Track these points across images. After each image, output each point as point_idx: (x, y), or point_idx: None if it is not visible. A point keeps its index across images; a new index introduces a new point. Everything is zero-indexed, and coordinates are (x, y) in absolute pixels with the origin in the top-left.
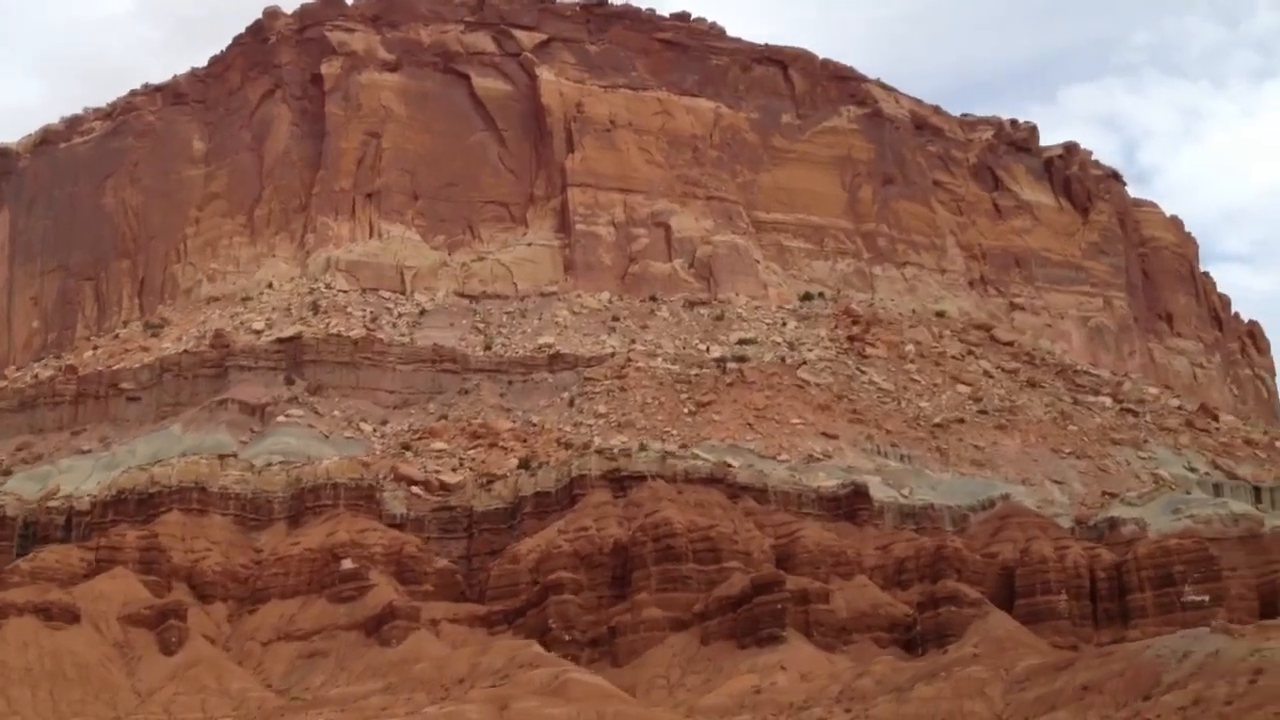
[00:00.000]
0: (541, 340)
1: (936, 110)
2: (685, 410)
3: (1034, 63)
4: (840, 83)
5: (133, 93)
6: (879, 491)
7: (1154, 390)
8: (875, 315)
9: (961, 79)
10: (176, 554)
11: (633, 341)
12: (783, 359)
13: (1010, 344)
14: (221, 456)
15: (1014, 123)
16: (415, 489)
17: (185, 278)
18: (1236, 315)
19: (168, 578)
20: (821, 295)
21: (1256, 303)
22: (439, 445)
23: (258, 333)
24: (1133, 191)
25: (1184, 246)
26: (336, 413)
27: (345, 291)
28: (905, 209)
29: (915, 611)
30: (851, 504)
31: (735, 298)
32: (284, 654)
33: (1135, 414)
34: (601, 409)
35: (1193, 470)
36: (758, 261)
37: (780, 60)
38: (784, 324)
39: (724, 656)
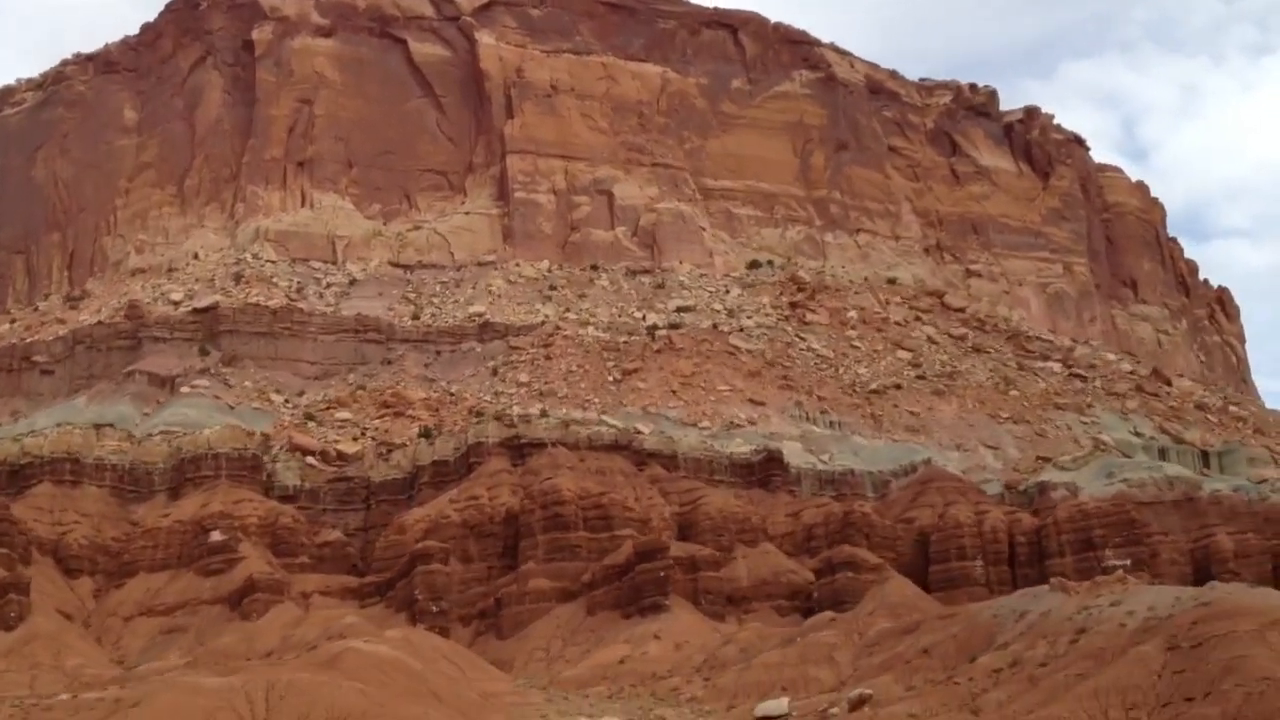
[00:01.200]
0: (472, 309)
1: (893, 75)
2: (610, 379)
3: (1033, 40)
4: (793, 46)
5: (64, 62)
6: (798, 458)
7: (1112, 356)
8: (822, 282)
9: (960, 56)
10: (41, 527)
11: (567, 310)
12: (715, 325)
13: (961, 310)
14: (98, 427)
15: (973, 87)
16: (310, 459)
17: (114, 250)
18: (1205, 282)
19: (24, 551)
20: (770, 263)
21: (1258, 277)
22: (344, 415)
23: (176, 303)
24: (1134, 168)
25: (1149, 212)
26: (248, 383)
27: (273, 262)
28: (859, 175)
29: (814, 578)
30: (765, 470)
31: (679, 266)
32: (144, 629)
33: (1084, 379)
34: (524, 378)
35: (1138, 435)
36: (703, 229)
37: (730, 24)
38: (727, 292)
39: (607, 627)
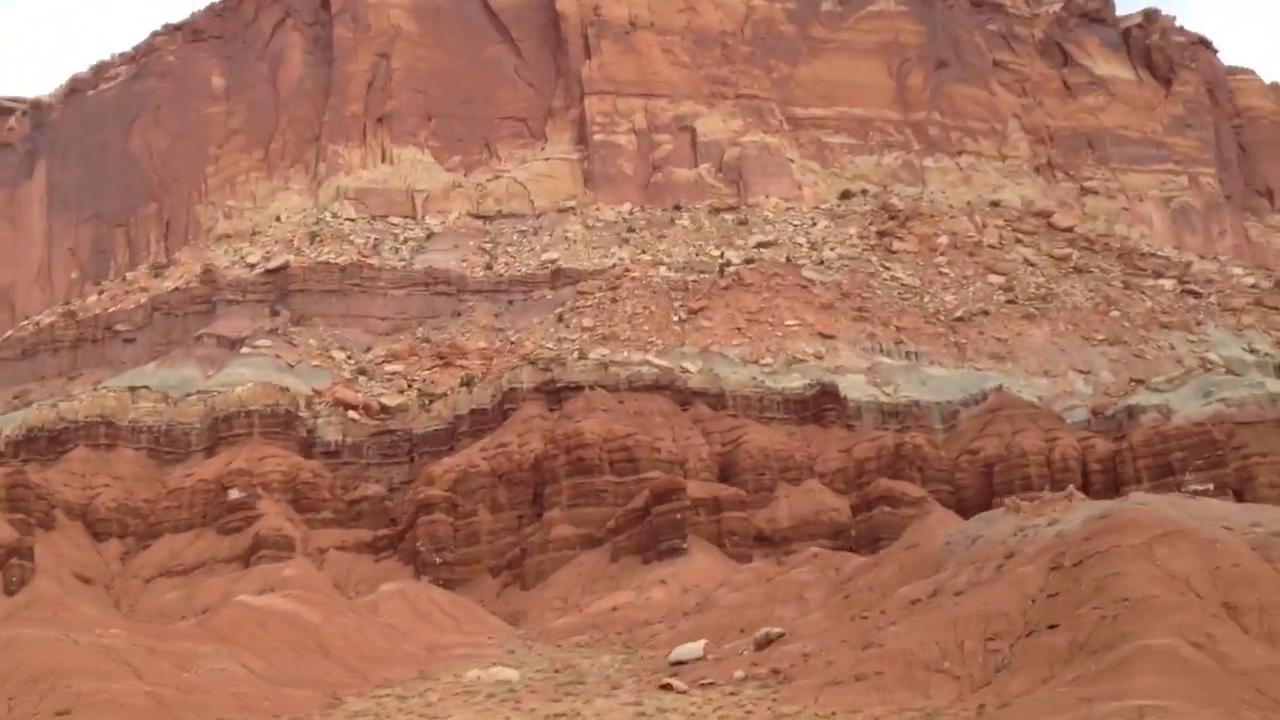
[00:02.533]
0: (545, 257)
1: None
2: (676, 319)
3: None
4: None
5: (154, 34)
6: (859, 391)
7: (1239, 270)
8: (916, 209)
9: None
10: (71, 491)
11: (643, 252)
12: (789, 259)
13: (1069, 230)
14: (133, 389)
15: None
16: (352, 414)
17: (206, 217)
18: None
19: (46, 515)
20: (864, 192)
21: None
22: (394, 368)
23: (251, 266)
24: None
25: None
26: (312, 341)
27: (352, 220)
28: (961, 94)
29: (851, 515)
30: (819, 405)
31: (765, 201)
32: (161, 590)
33: (1198, 295)
34: (588, 322)
35: (1253, 351)
36: (791, 161)
37: None
38: (813, 224)
39: (628, 574)
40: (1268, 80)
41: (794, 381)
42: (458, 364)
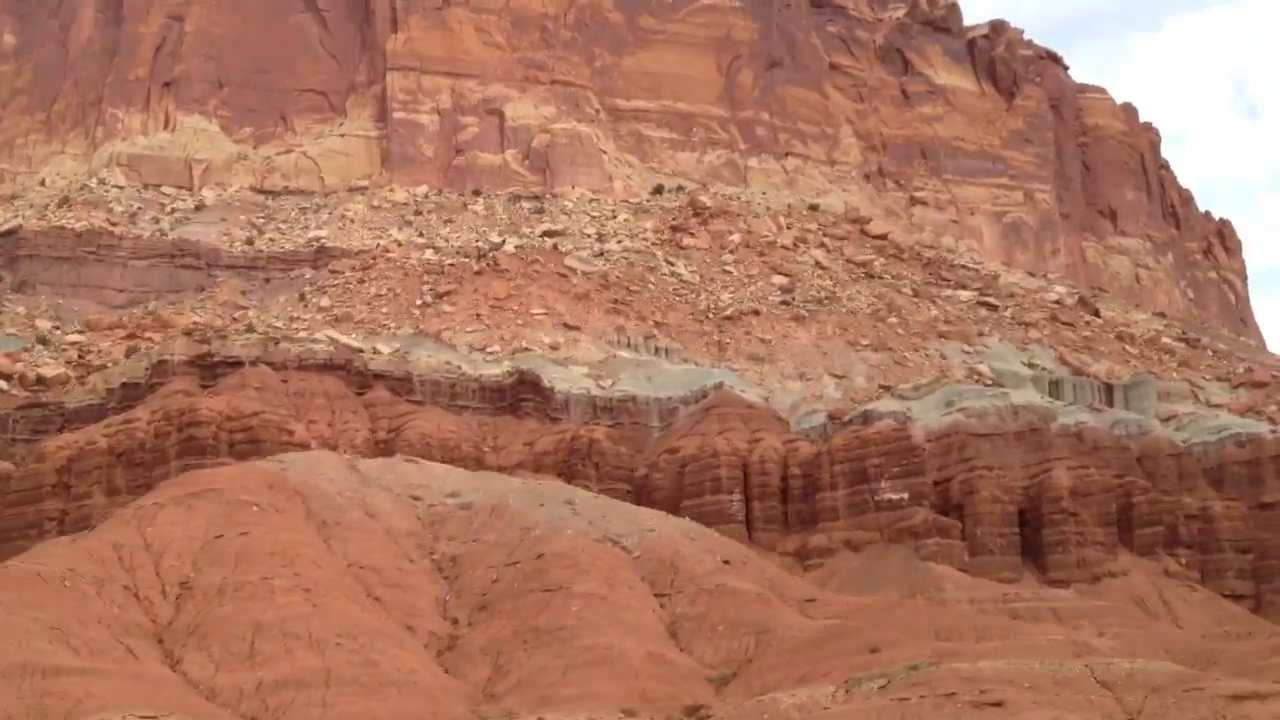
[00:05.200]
0: (311, 235)
1: None
2: (420, 302)
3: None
4: None
5: None
6: (571, 384)
7: (1060, 288)
8: (725, 207)
9: (1063, 12)
10: None
11: (420, 234)
12: (555, 247)
13: (882, 237)
14: None
15: (930, 0)
16: (2, 384)
17: None
18: (1207, 214)
19: None
20: (681, 189)
21: None
22: (74, 338)
23: None
24: (1247, 124)
25: (1135, 136)
26: (21, 309)
27: (120, 187)
28: (793, 95)
29: None
30: (515, 395)
31: (571, 191)
32: None
33: (994, 308)
34: (325, 303)
35: (1031, 366)
36: (604, 152)
37: None
38: (614, 216)
39: None
40: (1119, 100)
41: (494, 369)
42: (145, 337)
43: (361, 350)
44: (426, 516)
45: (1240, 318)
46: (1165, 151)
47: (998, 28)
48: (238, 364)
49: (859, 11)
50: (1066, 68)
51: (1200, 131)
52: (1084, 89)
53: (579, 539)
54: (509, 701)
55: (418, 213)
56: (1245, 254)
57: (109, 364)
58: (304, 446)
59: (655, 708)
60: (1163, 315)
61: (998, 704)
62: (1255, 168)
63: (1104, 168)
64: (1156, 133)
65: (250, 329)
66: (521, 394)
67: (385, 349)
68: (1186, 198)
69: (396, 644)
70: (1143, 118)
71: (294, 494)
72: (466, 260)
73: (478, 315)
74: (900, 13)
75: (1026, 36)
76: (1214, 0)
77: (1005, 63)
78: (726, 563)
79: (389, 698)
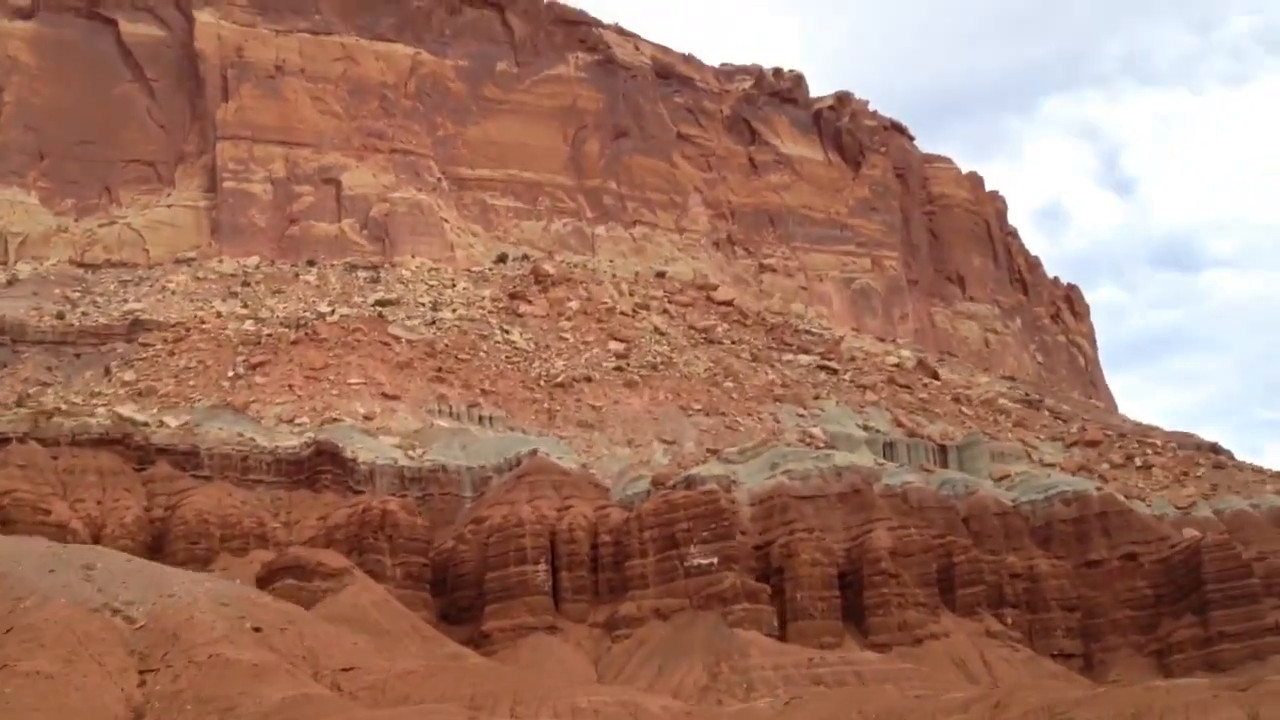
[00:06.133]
0: (127, 308)
1: (688, 59)
2: (232, 374)
3: (1009, 76)
4: (568, 28)
5: None
6: (377, 455)
7: (906, 352)
8: (568, 274)
9: (934, 94)
10: None
11: (244, 305)
12: (380, 315)
13: (728, 304)
14: None
15: (778, 72)
16: None
17: None
18: (1055, 279)
19: None
20: (526, 257)
21: (1243, 308)
22: None
23: None
24: (1118, 201)
25: (980, 205)
26: None
27: None
28: (640, 164)
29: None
30: (313, 467)
31: (410, 260)
32: None
33: (834, 372)
34: (130, 376)
35: (866, 429)
36: (445, 221)
37: (497, 3)
38: (453, 285)
39: None
40: (965, 170)
41: (293, 441)
42: None
43: (146, 424)
44: None
45: (1090, 380)
46: (1037, 226)
47: (843, 99)
48: (4, 440)
49: (705, 83)
50: (912, 138)
51: (1075, 206)
52: (930, 159)
53: (68, 610)
54: None
55: (245, 284)
56: (1123, 324)
57: None
58: (62, 526)
59: None
60: (1011, 378)
61: None
62: (1132, 241)
63: (951, 235)
64: (1003, 200)
65: (19, 404)
66: (319, 466)
67: (173, 422)
68: (1034, 263)
69: None
70: (1015, 195)
71: None
72: (285, 330)
73: (289, 386)
74: (747, 84)
75: (871, 107)
76: (1083, 80)
77: (851, 133)
78: (257, 630)
79: None
